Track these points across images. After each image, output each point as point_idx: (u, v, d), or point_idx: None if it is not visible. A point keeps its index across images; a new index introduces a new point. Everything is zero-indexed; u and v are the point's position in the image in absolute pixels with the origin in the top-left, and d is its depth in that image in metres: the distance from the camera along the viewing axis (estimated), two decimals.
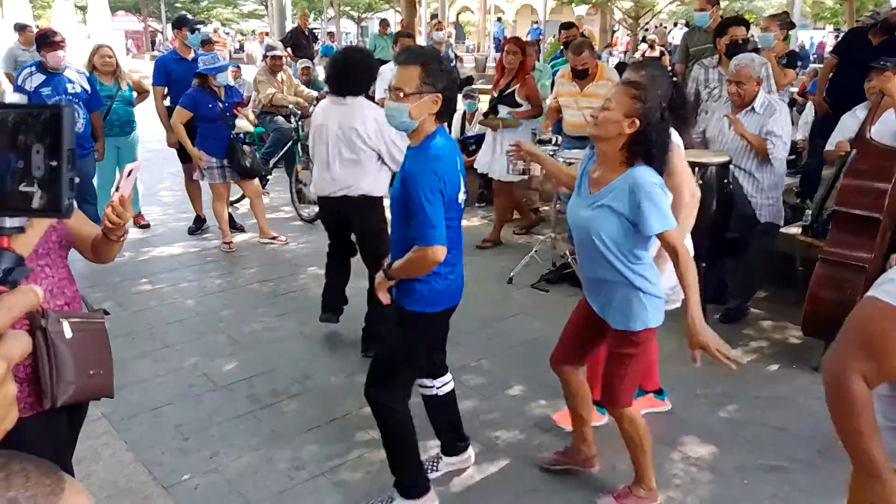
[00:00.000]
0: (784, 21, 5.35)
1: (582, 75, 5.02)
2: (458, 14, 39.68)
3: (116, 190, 1.85)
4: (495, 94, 5.49)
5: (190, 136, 5.53)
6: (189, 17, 6.07)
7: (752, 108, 4.13)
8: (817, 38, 30.78)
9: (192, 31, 5.83)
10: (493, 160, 5.60)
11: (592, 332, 2.68)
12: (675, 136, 2.99)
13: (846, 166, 3.70)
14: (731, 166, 4.09)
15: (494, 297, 4.82)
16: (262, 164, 5.93)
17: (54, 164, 0.60)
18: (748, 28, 5.04)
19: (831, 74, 5.71)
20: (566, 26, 6.47)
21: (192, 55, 5.86)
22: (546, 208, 6.94)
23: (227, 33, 38.49)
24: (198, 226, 6.18)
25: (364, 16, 35.52)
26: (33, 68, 5.21)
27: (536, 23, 28.49)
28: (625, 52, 23.90)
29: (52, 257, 2.05)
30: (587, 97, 4.99)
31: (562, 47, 6.48)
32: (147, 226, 6.30)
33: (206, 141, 5.47)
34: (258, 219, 5.90)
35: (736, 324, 4.43)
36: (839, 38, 6.60)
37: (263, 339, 4.17)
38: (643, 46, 17.96)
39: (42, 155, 0.60)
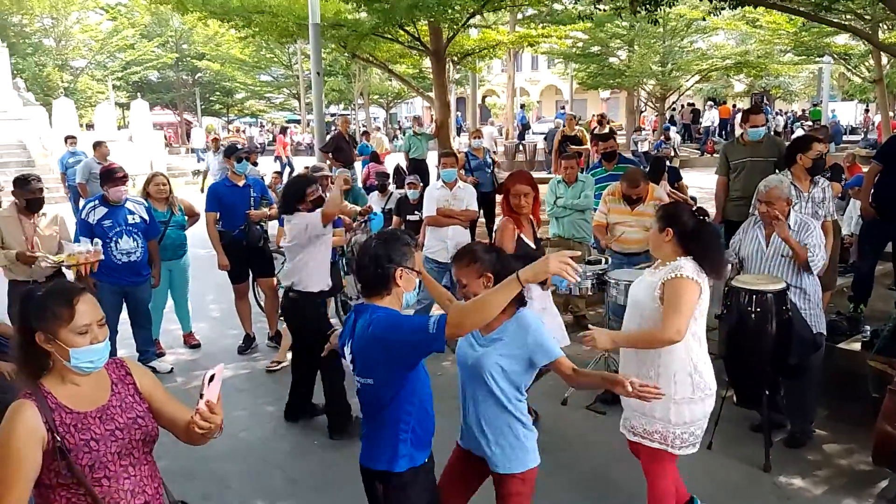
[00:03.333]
0: (826, 135, 5.41)
1: (630, 200, 5.10)
2: (484, 97, 40.89)
3: (201, 397, 1.89)
4: (534, 242, 4.43)
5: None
6: (237, 146, 6.36)
7: (788, 226, 4.17)
8: (845, 109, 30.99)
9: (239, 161, 6.08)
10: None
11: (471, 476, 2.79)
12: (690, 269, 3.00)
13: None
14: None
15: (549, 423, 4.73)
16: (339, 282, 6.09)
17: None
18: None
19: (876, 179, 5.72)
20: (603, 138, 6.61)
21: (242, 182, 6.09)
22: (591, 313, 6.92)
23: (262, 125, 40.07)
24: (247, 345, 6.27)
25: (392, 102, 36.77)
26: (96, 202, 5.44)
27: (563, 107, 29.14)
28: (653, 131, 24.26)
29: (135, 456, 2.08)
30: (638, 216, 5.07)
31: (600, 157, 6.59)
32: (198, 345, 6.41)
33: None
34: None
35: (801, 449, 4.30)
36: (883, 144, 6.63)
37: (321, 476, 4.13)
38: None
39: None
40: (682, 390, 3.03)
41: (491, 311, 2.26)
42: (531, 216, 4.43)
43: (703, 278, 3.02)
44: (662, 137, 19.64)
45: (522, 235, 4.34)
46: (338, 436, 4.55)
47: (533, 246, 4.40)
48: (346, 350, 2.54)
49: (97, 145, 11.03)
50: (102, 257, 5.06)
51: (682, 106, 27.58)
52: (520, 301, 2.65)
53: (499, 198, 5.11)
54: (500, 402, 2.62)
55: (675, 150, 16.76)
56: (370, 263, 2.44)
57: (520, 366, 2.62)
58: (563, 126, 12.51)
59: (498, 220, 6.18)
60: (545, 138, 18.77)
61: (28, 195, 5.12)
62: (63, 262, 4.98)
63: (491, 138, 18.32)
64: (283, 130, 23.37)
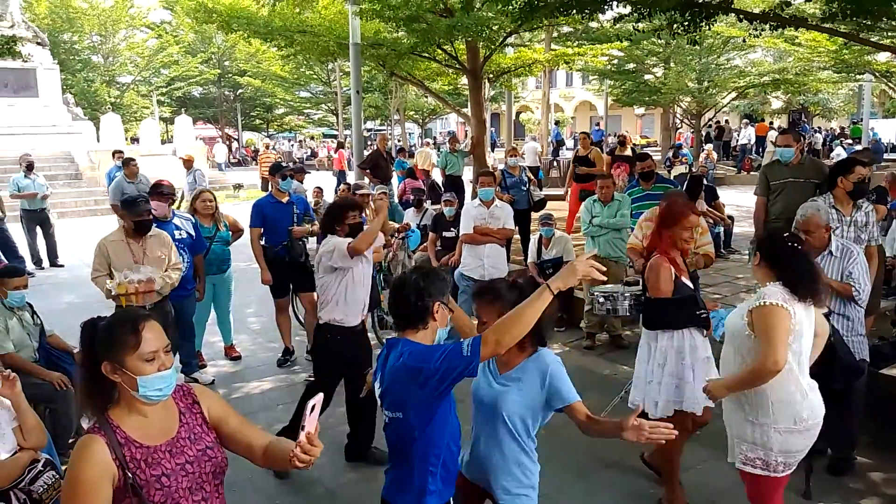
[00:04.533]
0: (869, 158, 5.36)
1: None
2: (519, 113, 40.99)
3: (302, 429, 1.82)
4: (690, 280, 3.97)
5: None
6: (282, 164, 6.54)
7: (830, 252, 4.15)
8: (886, 127, 30.37)
9: (284, 179, 6.24)
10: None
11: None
12: (776, 295, 2.92)
13: None
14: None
15: (586, 443, 4.71)
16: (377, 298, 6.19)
17: None
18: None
19: None
20: (641, 157, 6.63)
21: (286, 198, 6.24)
22: (628, 333, 6.90)
23: (301, 141, 40.73)
24: (286, 357, 6.41)
25: (428, 118, 37.08)
26: None
27: (598, 123, 29.00)
28: (690, 147, 24.04)
29: (206, 490, 2.02)
30: None
31: (638, 177, 6.60)
32: (238, 358, 6.56)
33: None
34: None
35: (843, 476, 4.23)
36: None
37: (361, 492, 4.20)
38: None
39: None
40: (783, 420, 2.99)
41: (526, 325, 2.28)
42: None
43: (793, 304, 2.94)
44: (670, 154, 19.27)
45: (683, 278, 3.76)
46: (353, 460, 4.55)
47: (691, 286, 3.80)
48: (377, 385, 2.53)
49: (126, 163, 10.69)
50: (156, 287, 4.90)
51: (717, 122, 27.25)
52: (539, 340, 2.64)
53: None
54: (514, 440, 2.62)
55: (690, 168, 16.32)
56: (410, 296, 2.46)
57: (536, 406, 2.62)
58: (562, 145, 12.12)
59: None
60: None
61: (136, 217, 4.95)
62: (112, 290, 4.82)
63: (535, 153, 18.30)
64: (341, 146, 23.69)
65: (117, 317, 2.01)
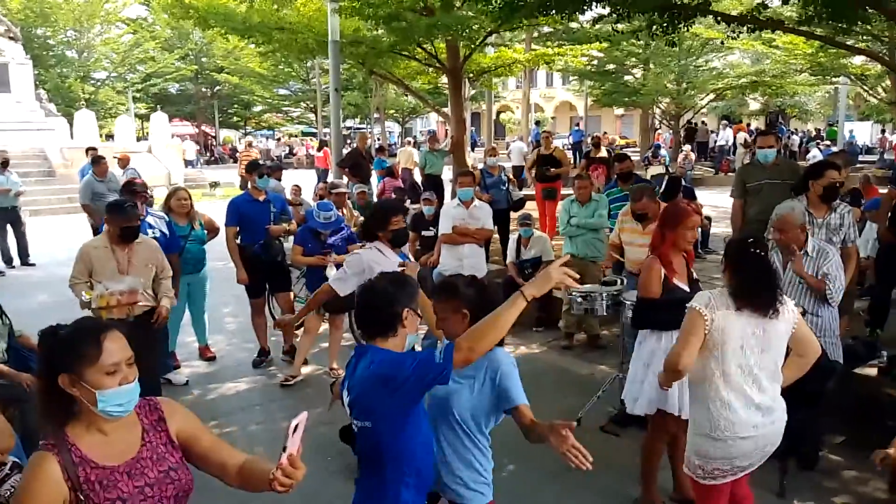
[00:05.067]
0: (844, 161, 5.42)
1: (641, 218, 5.12)
2: (499, 113, 41.04)
3: (284, 450, 1.75)
4: (689, 283, 3.78)
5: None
6: (260, 162, 6.47)
7: (806, 252, 4.18)
8: (861, 129, 30.89)
9: (261, 177, 6.16)
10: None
11: None
12: (702, 300, 2.90)
13: None
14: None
15: None
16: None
17: None
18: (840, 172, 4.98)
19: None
20: (620, 158, 6.65)
21: (263, 197, 6.17)
22: (606, 333, 6.91)
23: (278, 139, 40.50)
24: (262, 358, 6.34)
25: (408, 117, 37.06)
26: None
27: (578, 124, 29.11)
28: (669, 148, 24.23)
29: None
30: (648, 236, 5.07)
31: (616, 177, 6.64)
32: (213, 358, 6.48)
33: (310, 278, 5.92)
34: (332, 350, 6.03)
35: (813, 472, 4.26)
36: None
37: (340, 494, 4.15)
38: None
39: None
40: (699, 422, 2.97)
41: (500, 332, 2.25)
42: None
43: (717, 311, 2.86)
44: (649, 153, 19.43)
45: (676, 280, 3.69)
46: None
47: (687, 289, 3.69)
48: (345, 393, 2.45)
49: (96, 161, 10.35)
50: (139, 300, 4.64)
51: (694, 124, 27.44)
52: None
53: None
54: (465, 436, 2.58)
55: (667, 168, 16.35)
56: (380, 302, 2.40)
57: (487, 405, 2.56)
58: (541, 145, 11.65)
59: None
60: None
61: (123, 223, 4.55)
62: (91, 303, 4.52)
63: (521, 154, 18.36)
64: (325, 144, 23.55)
65: (77, 326, 1.89)
